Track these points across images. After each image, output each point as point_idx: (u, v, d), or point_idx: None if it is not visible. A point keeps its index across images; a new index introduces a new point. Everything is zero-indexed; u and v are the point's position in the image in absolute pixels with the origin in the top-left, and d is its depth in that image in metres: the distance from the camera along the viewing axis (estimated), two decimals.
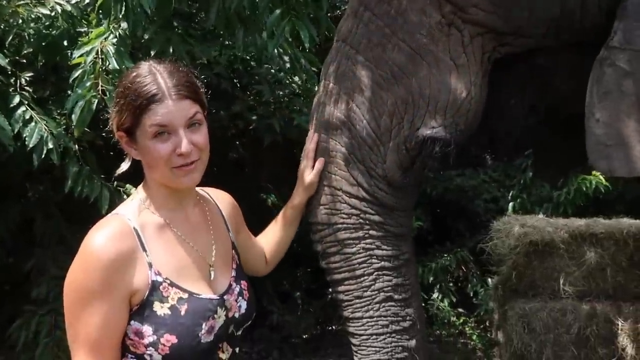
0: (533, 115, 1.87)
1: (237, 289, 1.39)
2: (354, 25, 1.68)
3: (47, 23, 2.51)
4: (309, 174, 1.71)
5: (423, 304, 4.69)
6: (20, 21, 2.48)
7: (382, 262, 1.70)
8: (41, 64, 2.66)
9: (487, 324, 4.62)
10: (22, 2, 2.49)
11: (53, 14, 2.49)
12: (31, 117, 2.50)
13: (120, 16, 2.13)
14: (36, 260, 3.41)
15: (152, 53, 2.48)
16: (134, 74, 1.25)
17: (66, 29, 2.50)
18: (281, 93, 3.70)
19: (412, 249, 1.81)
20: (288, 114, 3.53)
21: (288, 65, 3.15)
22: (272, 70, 4.01)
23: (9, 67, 2.53)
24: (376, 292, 1.71)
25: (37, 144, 2.45)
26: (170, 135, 1.22)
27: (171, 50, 2.76)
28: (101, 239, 1.21)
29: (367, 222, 1.68)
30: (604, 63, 1.51)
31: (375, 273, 1.70)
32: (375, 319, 1.71)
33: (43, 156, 2.44)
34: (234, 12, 2.47)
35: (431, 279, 4.58)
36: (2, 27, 2.58)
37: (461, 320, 4.85)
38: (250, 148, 4.48)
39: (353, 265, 1.71)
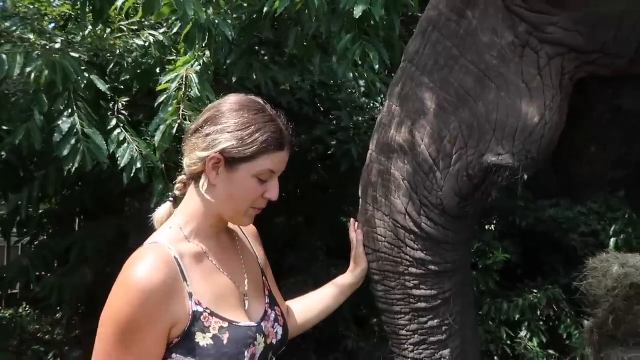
0: (620, 170, 1.70)
1: (273, 315, 1.38)
2: (421, 46, 1.64)
3: (142, 52, 2.72)
4: (360, 257, 1.69)
5: (509, 342, 4.42)
6: (119, 51, 2.70)
7: (419, 303, 1.64)
8: (136, 89, 2.89)
9: None
10: (120, 34, 2.72)
11: (147, 44, 2.69)
12: (125, 139, 2.70)
13: (204, 45, 2.24)
14: None
15: (234, 79, 2.59)
16: (255, 112, 1.27)
17: (158, 58, 2.69)
18: (360, 119, 3.70)
19: (460, 284, 1.71)
20: (367, 140, 3.51)
21: (363, 89, 3.14)
22: (355, 95, 4.04)
23: (108, 93, 2.77)
24: (412, 333, 1.66)
25: (127, 164, 2.63)
26: (267, 179, 1.27)
27: (254, 76, 2.88)
28: (144, 270, 1.18)
29: (408, 257, 1.61)
30: None
31: (412, 313, 1.65)
32: (409, 359, 1.67)
33: (132, 175, 2.62)
34: (311, 38, 2.52)
35: (517, 316, 4.26)
36: (105, 55, 2.84)
37: None
38: (331, 172, 4.52)
39: (392, 300, 1.67)
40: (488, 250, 4.51)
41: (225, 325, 1.24)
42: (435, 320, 1.64)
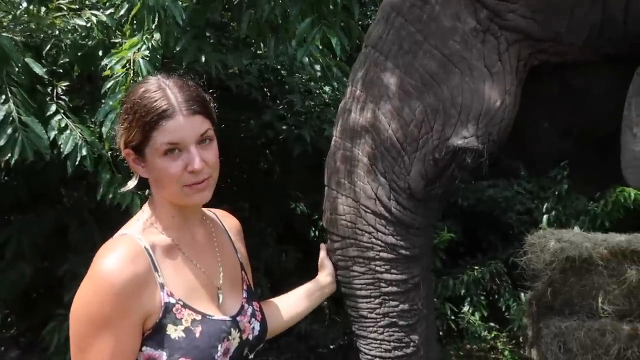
0: (567, 139, 1.78)
1: (250, 310, 1.36)
2: (384, 31, 1.64)
3: (83, 34, 2.56)
4: (324, 261, 1.70)
5: (453, 317, 4.62)
6: (57, 32, 2.53)
7: (390, 287, 1.65)
8: (77, 73, 2.72)
9: (520, 340, 4.47)
10: (59, 13, 2.55)
11: (89, 25, 2.54)
12: (66, 125, 2.55)
13: (153, 27, 2.14)
14: (69, 265, 3.48)
15: (184, 63, 2.50)
16: (142, 89, 1.21)
17: (101, 40, 2.55)
18: (312, 103, 3.69)
19: (426, 269, 1.75)
20: (318, 124, 3.52)
21: (319, 74, 3.13)
22: (303, 80, 4.02)
23: (46, 77, 2.59)
24: (381, 316, 1.66)
25: (71, 151, 2.49)
26: (181, 153, 1.19)
27: (203, 59, 2.79)
28: (114, 261, 1.14)
29: (379, 242, 1.62)
30: None
31: (382, 297, 1.66)
32: (378, 341, 1.67)
33: (77, 163, 2.48)
34: (265, 21, 2.47)
35: (463, 291, 4.47)
36: (40, 37, 2.65)
37: (493, 335, 4.72)
38: (279, 157, 4.49)
39: (361, 285, 1.67)
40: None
41: (198, 317, 1.21)
42: (406, 304, 1.66)
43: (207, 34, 3.12)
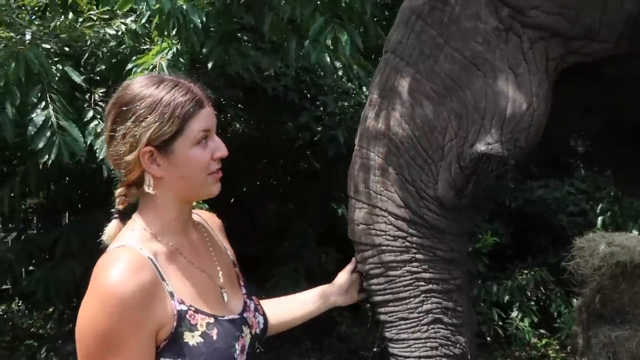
0: (591, 120, 1.65)
1: (252, 305, 1.36)
2: (404, 36, 1.57)
3: (115, 43, 2.63)
4: (343, 276, 1.66)
5: (501, 323, 4.45)
6: (89, 42, 2.61)
7: (430, 285, 1.59)
8: (112, 80, 2.80)
9: (568, 349, 4.25)
10: (89, 23, 2.62)
11: (119, 33, 2.60)
12: (102, 131, 2.62)
13: (174, 33, 2.16)
14: None
15: (210, 65, 2.52)
16: (155, 86, 1.19)
17: (133, 47, 2.60)
18: (346, 104, 3.64)
19: (465, 278, 1.67)
20: (352, 125, 3.46)
21: (341, 73, 3.07)
22: (341, 80, 3.96)
23: (84, 84, 2.68)
24: (424, 313, 1.59)
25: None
26: (207, 141, 1.21)
27: (234, 63, 2.79)
28: (118, 274, 1.09)
29: (414, 245, 1.57)
30: None
31: (423, 295, 1.58)
32: (423, 340, 1.58)
33: (112, 168, 2.54)
34: (288, 23, 2.44)
35: (507, 297, 4.29)
36: (78, 46, 2.74)
37: (543, 342, 4.51)
38: (319, 158, 4.47)
39: (398, 288, 1.60)
40: (477, 232, 4.52)
41: (212, 320, 1.20)
42: (450, 303, 1.59)
43: (242, 37, 3.12)
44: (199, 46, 2.35)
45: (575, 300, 4.00)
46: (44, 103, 2.51)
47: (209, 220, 1.45)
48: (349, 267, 1.69)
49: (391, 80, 1.58)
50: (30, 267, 4.62)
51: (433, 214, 1.55)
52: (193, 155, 1.19)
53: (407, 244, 1.57)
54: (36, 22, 2.64)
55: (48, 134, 2.48)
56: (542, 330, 4.54)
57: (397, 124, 1.55)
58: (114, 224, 1.24)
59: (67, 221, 4.97)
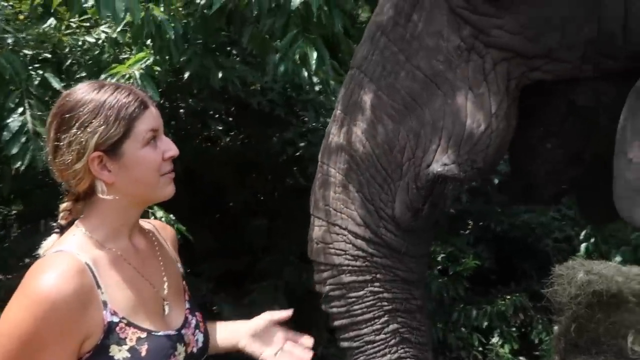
0: (577, 165, 1.62)
1: (194, 321, 1.31)
2: (369, 52, 1.57)
3: (97, 51, 2.63)
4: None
5: (480, 349, 4.39)
6: (68, 49, 2.61)
7: (394, 304, 1.57)
8: None
9: None
10: (68, 30, 2.63)
11: (99, 41, 2.60)
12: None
13: (149, 42, 2.16)
14: None
15: (185, 76, 2.52)
16: (96, 91, 1.17)
17: (114, 55, 2.60)
18: (329, 120, 3.64)
19: (424, 300, 1.65)
20: None
21: (319, 88, 3.07)
22: (323, 96, 3.96)
23: (64, 91, 2.67)
24: (390, 334, 1.56)
25: None
26: (156, 141, 1.20)
27: (220, 75, 2.79)
28: (52, 279, 1.06)
29: (375, 265, 1.55)
30: None
31: (387, 315, 1.56)
32: None
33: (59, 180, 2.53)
34: (268, 37, 2.44)
35: (485, 323, 4.24)
36: (62, 53, 2.74)
37: None
38: (304, 174, 4.45)
39: (361, 309, 1.58)
40: (460, 255, 4.48)
41: (144, 335, 1.16)
42: (414, 322, 1.57)
43: (234, 52, 3.13)
44: (176, 57, 2.34)
45: (555, 327, 3.96)
46: (21, 109, 2.50)
47: (162, 230, 1.42)
48: (270, 316, 1.43)
49: (355, 96, 1.58)
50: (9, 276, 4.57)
51: (391, 234, 1.54)
52: (143, 156, 1.17)
53: (368, 263, 1.55)
54: (18, 28, 2.63)
55: (23, 139, 2.45)
56: (522, 358, 4.47)
57: (358, 141, 1.54)
58: (53, 238, 1.21)
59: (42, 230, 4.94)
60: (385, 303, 1.56)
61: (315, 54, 2.01)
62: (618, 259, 4.21)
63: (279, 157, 4.09)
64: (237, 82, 3.04)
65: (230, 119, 3.75)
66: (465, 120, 1.43)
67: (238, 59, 3.37)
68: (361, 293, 1.56)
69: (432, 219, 1.56)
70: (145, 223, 1.38)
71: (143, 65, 2.22)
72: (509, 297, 4.51)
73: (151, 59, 2.36)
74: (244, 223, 5.17)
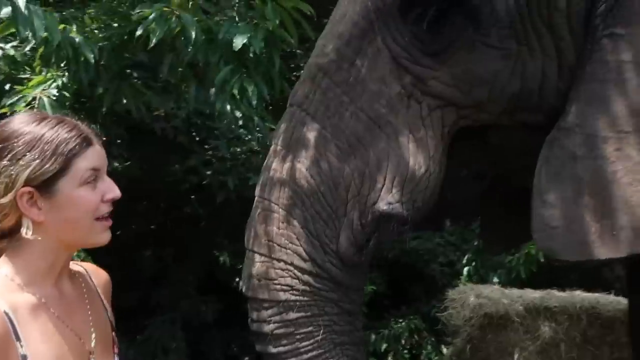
0: (479, 183, 1.81)
1: None
2: (310, 91, 1.62)
3: None
4: None
5: None
6: None
7: (343, 337, 1.60)
8: None
9: None
10: None
11: None
12: None
13: (62, 65, 2.01)
14: None
15: (105, 106, 2.36)
16: (35, 123, 1.12)
17: (8, 74, 2.35)
18: (238, 149, 3.62)
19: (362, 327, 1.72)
20: (244, 172, 3.44)
21: (241, 122, 3.08)
22: (233, 126, 3.94)
23: None
24: None
25: None
26: (96, 182, 1.13)
27: (124, 101, 2.66)
28: None
29: (322, 299, 1.58)
30: (554, 144, 1.50)
31: (338, 348, 1.59)
32: None
33: None
34: (188, 66, 2.40)
35: (384, 346, 4.43)
36: None
37: None
38: (205, 203, 4.34)
39: (311, 345, 1.58)
40: None
41: None
42: (359, 354, 1.62)
43: (131, 74, 2.99)
44: (87, 81, 2.19)
45: (445, 348, 4.25)
46: None
47: (94, 274, 1.32)
48: None
49: (297, 133, 1.61)
50: None
51: (336, 269, 1.58)
52: (79, 195, 1.11)
53: (316, 298, 1.56)
54: None
55: None
56: None
57: (302, 178, 1.58)
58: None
59: None
60: (335, 336, 1.59)
61: (253, 89, 2.01)
62: (495, 280, 4.67)
63: (179, 185, 3.95)
64: (142, 107, 2.91)
65: (133, 145, 3.56)
66: (408, 162, 1.54)
67: (140, 82, 3.24)
68: (310, 329, 1.57)
69: (372, 254, 1.63)
70: (75, 266, 1.29)
71: (53, 89, 2.04)
72: (401, 320, 4.76)
73: (58, 82, 2.17)
74: (134, 254, 4.88)
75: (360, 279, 1.68)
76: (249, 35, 1.92)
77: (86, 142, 1.12)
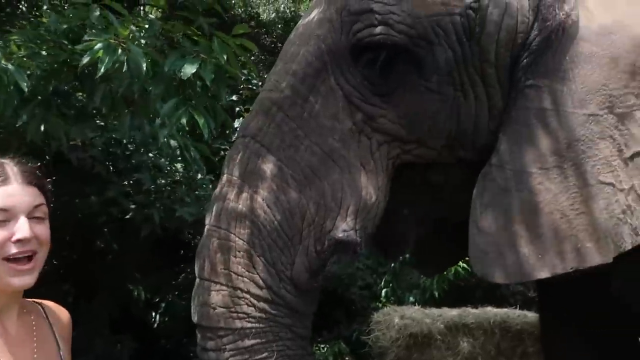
0: (422, 227, 1.96)
1: None
2: (265, 124, 1.68)
3: None
4: None
5: None
6: None
7: None
8: None
9: None
10: None
11: None
12: None
13: None
14: None
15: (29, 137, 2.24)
16: None
17: None
18: (163, 181, 3.53)
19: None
20: (169, 204, 3.36)
21: (178, 153, 3.04)
22: (150, 155, 3.84)
23: None
24: None
25: None
26: (8, 223, 1.14)
27: (42, 128, 2.52)
28: None
29: (277, 325, 1.62)
30: (486, 178, 1.68)
31: None
32: None
33: None
34: (120, 96, 2.35)
35: None
36: None
37: None
38: (119, 236, 4.14)
39: None
40: None
41: None
42: None
43: (57, 103, 2.85)
44: (11, 110, 2.06)
45: None
46: None
47: (52, 312, 1.31)
48: None
49: (252, 164, 1.66)
50: None
51: (291, 295, 1.64)
52: None
53: (271, 324, 1.61)
54: None
55: None
56: None
57: (259, 207, 1.63)
58: None
59: None
60: None
61: (203, 122, 2.02)
62: (411, 299, 4.91)
63: (96, 217, 3.76)
64: (61, 137, 2.77)
65: (48, 175, 3.35)
66: (361, 192, 1.64)
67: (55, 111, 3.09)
68: (264, 355, 1.60)
69: (322, 279, 1.69)
70: (31, 304, 1.29)
71: None
72: (323, 345, 4.82)
73: None
74: (39, 290, 4.52)
75: (312, 304, 1.73)
76: (197, 66, 1.94)
77: (0, 182, 1.14)
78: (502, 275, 1.62)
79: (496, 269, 1.62)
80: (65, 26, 2.21)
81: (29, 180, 1.17)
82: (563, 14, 1.63)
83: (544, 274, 1.57)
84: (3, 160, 1.19)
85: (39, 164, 1.25)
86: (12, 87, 1.94)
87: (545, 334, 2.45)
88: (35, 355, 1.20)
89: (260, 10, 7.89)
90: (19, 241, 1.12)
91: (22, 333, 1.21)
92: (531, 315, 3.42)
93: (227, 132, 4.65)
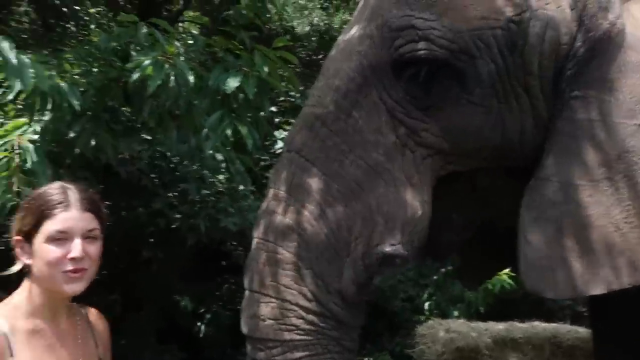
0: (470, 229, 1.93)
1: None
2: (309, 138, 1.68)
3: None
4: None
5: None
6: None
7: None
8: None
9: None
10: None
11: None
12: None
13: (47, 111, 1.98)
14: None
15: (77, 149, 2.32)
16: (46, 187, 1.40)
17: None
18: (207, 192, 3.60)
19: None
20: (214, 214, 3.42)
21: (222, 165, 3.09)
22: (194, 167, 3.92)
23: None
24: None
25: None
26: (66, 242, 1.33)
27: (93, 143, 2.62)
28: None
29: (325, 338, 1.61)
30: (534, 191, 1.64)
31: None
32: None
33: None
34: (167, 111, 2.42)
35: None
36: None
37: None
38: (165, 246, 4.23)
39: None
40: None
41: None
42: None
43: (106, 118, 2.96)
44: (66, 127, 2.15)
45: None
46: None
47: (94, 318, 1.52)
48: None
49: (297, 179, 1.67)
50: None
51: (339, 308, 1.63)
52: (45, 250, 1.32)
53: (320, 336, 1.61)
54: None
55: None
56: None
57: (306, 221, 1.63)
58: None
59: None
60: None
61: (247, 133, 2.05)
62: (455, 314, 4.81)
63: (143, 228, 3.85)
64: (110, 151, 2.87)
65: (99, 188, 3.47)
66: (406, 205, 1.62)
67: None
68: None
69: (372, 292, 1.68)
70: (77, 308, 1.49)
71: (34, 136, 2.00)
72: (367, 358, 4.76)
73: (35, 127, 2.12)
74: (87, 301, 4.66)
75: (360, 317, 1.71)
76: (240, 80, 1.97)
77: (61, 207, 1.34)
78: (554, 291, 1.57)
79: (547, 284, 1.58)
80: (114, 44, 2.30)
81: (86, 208, 1.36)
82: (608, 23, 1.60)
83: (598, 290, 1.52)
84: (67, 186, 1.38)
85: (89, 178, 1.39)
86: (65, 105, 2.02)
87: (599, 351, 2.35)
88: (80, 351, 1.42)
89: (295, 23, 7.99)
90: (73, 259, 1.31)
91: (69, 333, 1.41)
92: (582, 331, 3.30)
93: (267, 143, 4.71)
